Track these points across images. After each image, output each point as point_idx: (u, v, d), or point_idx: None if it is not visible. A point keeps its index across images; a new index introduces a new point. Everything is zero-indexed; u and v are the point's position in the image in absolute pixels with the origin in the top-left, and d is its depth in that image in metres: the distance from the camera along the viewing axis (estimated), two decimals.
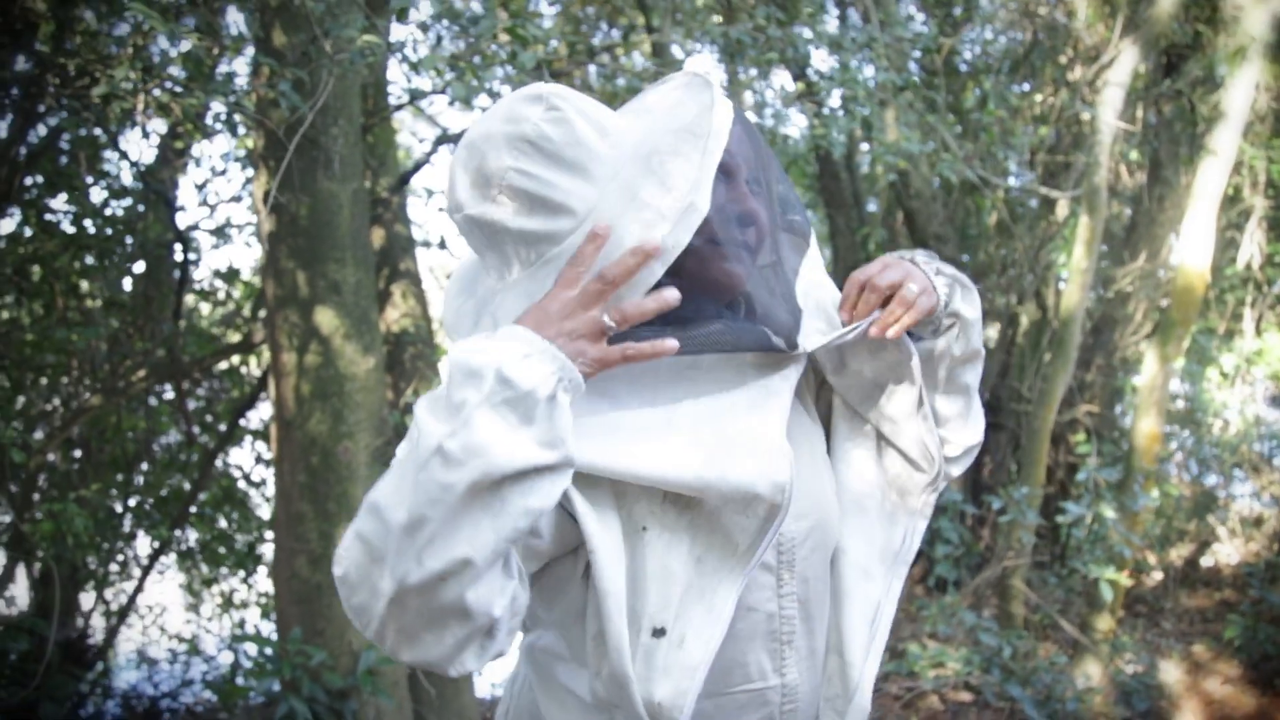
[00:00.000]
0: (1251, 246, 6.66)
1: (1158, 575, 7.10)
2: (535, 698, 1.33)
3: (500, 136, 1.17)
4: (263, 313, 4.92)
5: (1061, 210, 6.69)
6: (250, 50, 4.75)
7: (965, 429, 1.42)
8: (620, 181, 1.15)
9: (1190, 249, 5.20)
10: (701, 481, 1.15)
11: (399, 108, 4.23)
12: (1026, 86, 6.99)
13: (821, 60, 5.66)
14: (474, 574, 1.04)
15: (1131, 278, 6.54)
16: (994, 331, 7.43)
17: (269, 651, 3.77)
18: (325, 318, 3.82)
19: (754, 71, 5.69)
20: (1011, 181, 6.29)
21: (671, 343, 1.14)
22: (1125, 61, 5.36)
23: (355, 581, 1.08)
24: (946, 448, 1.40)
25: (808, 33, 4.71)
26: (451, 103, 3.35)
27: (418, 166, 4.69)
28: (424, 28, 4.46)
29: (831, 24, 7.09)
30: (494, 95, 4.23)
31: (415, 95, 3.63)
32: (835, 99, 4.96)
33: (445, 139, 4.48)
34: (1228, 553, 7.51)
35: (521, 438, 1.03)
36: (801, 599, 1.29)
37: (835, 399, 1.41)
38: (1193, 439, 7.68)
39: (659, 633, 1.15)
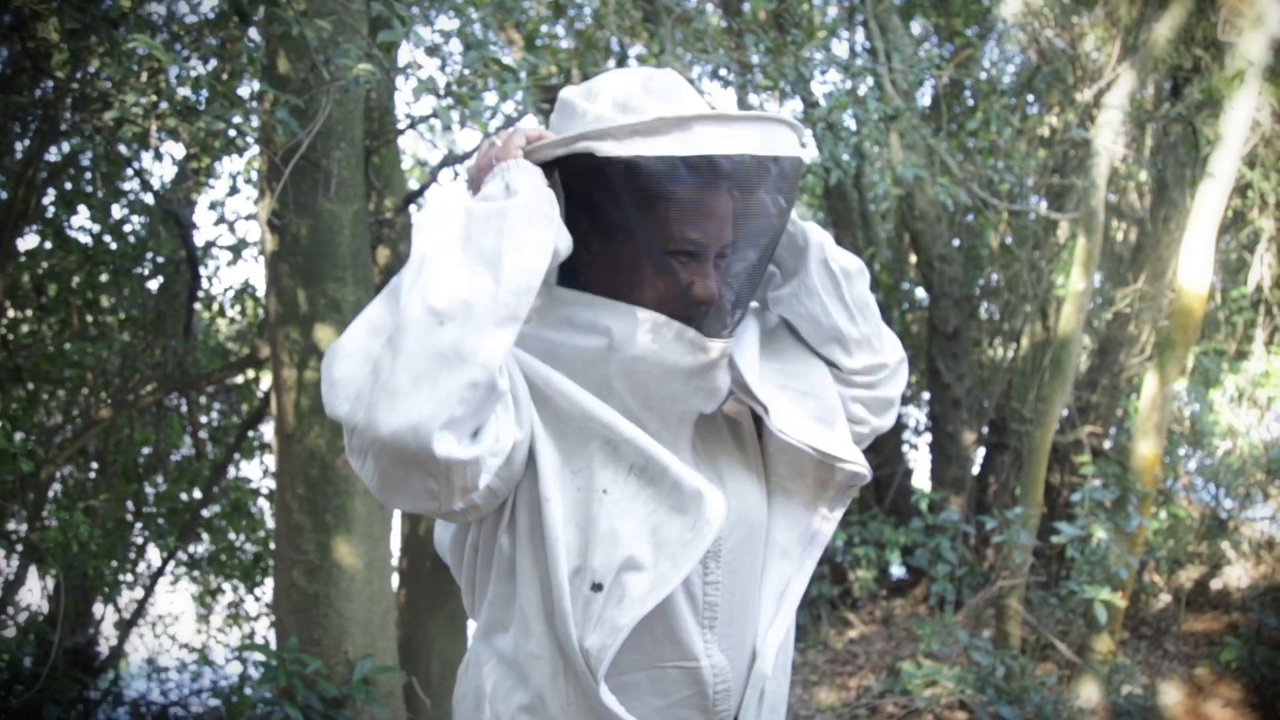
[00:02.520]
0: (1261, 268, 6.66)
1: (1165, 598, 7.07)
2: (479, 675, 1.39)
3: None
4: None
5: (1064, 232, 6.71)
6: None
7: (885, 345, 1.52)
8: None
9: (1189, 271, 5.22)
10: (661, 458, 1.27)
11: (400, 132, 4.34)
12: (1035, 109, 7.03)
13: (829, 84, 5.73)
14: (475, 319, 1.12)
15: (1131, 299, 6.55)
16: (999, 351, 7.45)
17: (272, 662, 3.86)
18: (325, 334, 3.93)
19: (754, 91, 5.78)
20: (1015, 204, 6.33)
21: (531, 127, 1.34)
22: (1123, 85, 5.40)
23: (349, 350, 1.14)
24: (878, 372, 1.51)
25: (812, 55, 4.78)
26: (446, 128, 3.44)
27: (422, 188, 4.80)
28: (431, 51, 4.57)
29: (842, 48, 7.18)
30: (495, 114, 4.34)
31: (414, 121, 3.73)
32: (841, 123, 5.03)
33: (448, 160, 4.58)
34: (1238, 576, 7.46)
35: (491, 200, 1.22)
36: (728, 588, 1.38)
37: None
38: (1204, 460, 7.64)
39: (597, 588, 1.24)
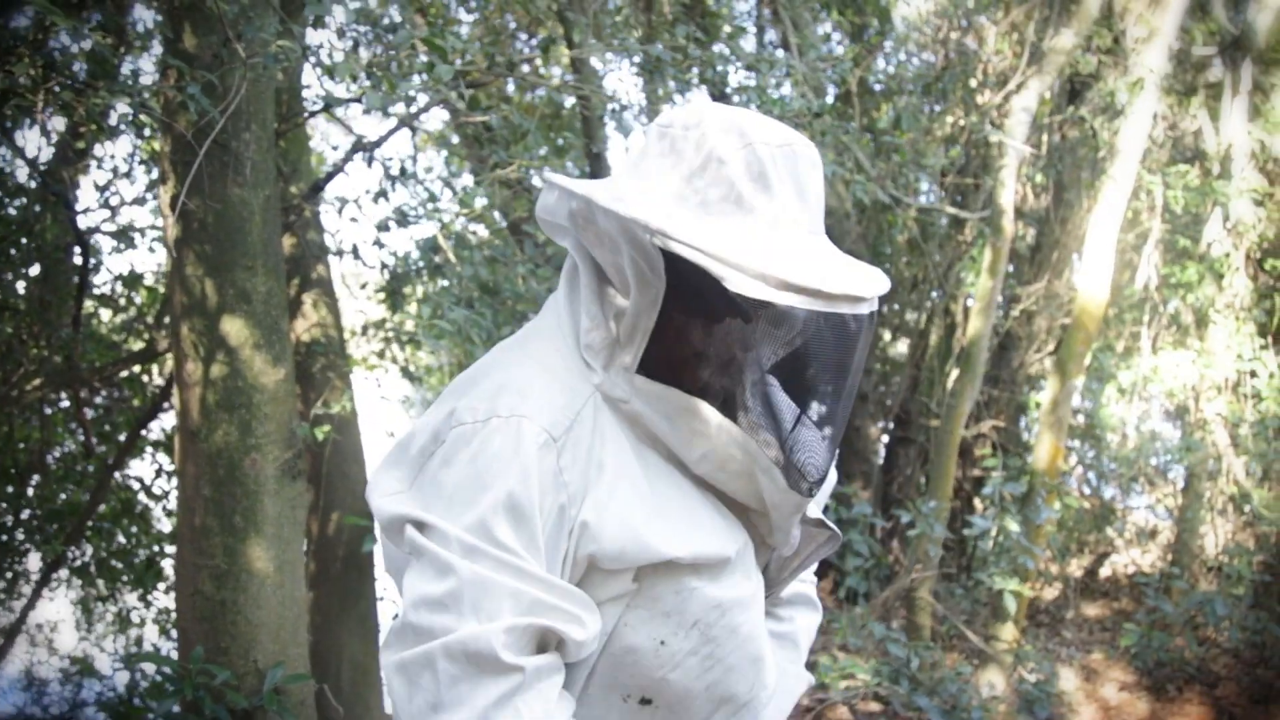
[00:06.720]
0: (1148, 268, 6.93)
1: (1058, 586, 7.32)
2: None
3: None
4: (167, 320, 4.77)
5: (970, 230, 6.86)
6: (157, 49, 4.60)
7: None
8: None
9: (1090, 273, 5.39)
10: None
11: (313, 114, 4.14)
12: (938, 108, 7.17)
13: (740, 79, 5.71)
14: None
15: (1035, 297, 6.74)
16: (904, 347, 7.58)
17: (169, 671, 3.64)
18: (234, 327, 3.71)
19: (672, 85, 5.75)
20: (922, 201, 6.43)
21: None
22: (1032, 88, 5.54)
23: None
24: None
25: (726, 51, 4.75)
26: (367, 111, 3.29)
27: (332, 174, 4.59)
28: (341, 33, 4.37)
29: (750, 43, 7.19)
30: (410, 103, 4.18)
31: (330, 102, 3.55)
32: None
33: (360, 146, 4.40)
34: (1124, 563, 7.79)
35: None
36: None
37: None
38: (1093, 453, 7.94)
39: (645, 702, 1.20)
